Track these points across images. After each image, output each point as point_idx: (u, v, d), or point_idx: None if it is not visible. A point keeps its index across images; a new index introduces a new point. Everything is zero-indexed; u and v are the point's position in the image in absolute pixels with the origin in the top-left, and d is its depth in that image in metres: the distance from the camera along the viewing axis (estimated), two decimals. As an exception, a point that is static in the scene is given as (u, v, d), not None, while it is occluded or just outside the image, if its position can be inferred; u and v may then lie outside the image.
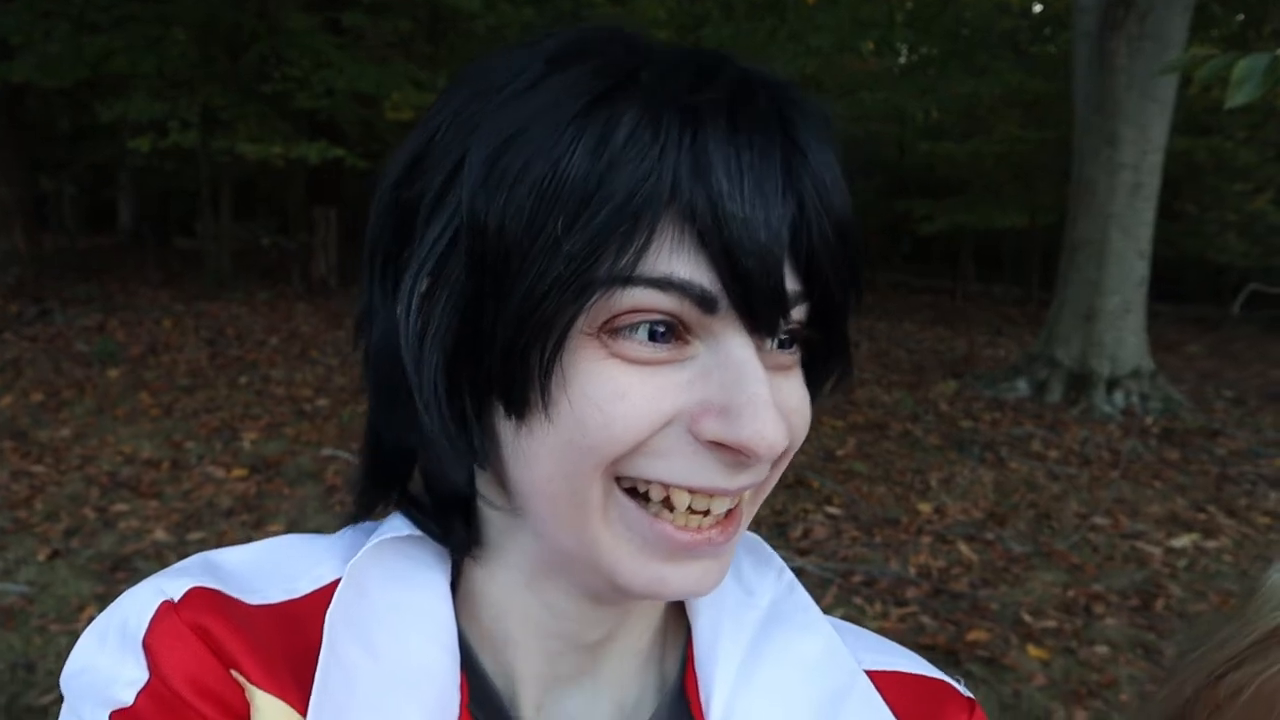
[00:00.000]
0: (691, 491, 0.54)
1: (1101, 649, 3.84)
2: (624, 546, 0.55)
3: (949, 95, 11.38)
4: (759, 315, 0.52)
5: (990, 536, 5.01)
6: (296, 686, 0.58)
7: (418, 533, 0.63)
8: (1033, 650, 3.78)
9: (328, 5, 10.89)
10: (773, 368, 0.55)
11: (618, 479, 0.54)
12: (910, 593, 4.25)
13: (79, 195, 18.22)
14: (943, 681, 0.72)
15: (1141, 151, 7.77)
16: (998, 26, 13.47)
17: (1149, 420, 7.58)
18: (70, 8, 9.83)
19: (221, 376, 7.58)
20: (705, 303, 0.51)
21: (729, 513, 0.56)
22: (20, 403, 6.64)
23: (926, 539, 4.94)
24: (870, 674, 0.69)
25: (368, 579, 0.61)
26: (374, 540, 0.62)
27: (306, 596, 0.62)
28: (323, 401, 6.99)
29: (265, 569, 0.63)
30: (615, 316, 0.51)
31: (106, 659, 0.58)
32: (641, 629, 0.66)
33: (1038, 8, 14.71)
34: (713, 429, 0.52)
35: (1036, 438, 6.97)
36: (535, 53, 0.54)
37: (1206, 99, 11.27)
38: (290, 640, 0.59)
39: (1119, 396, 7.92)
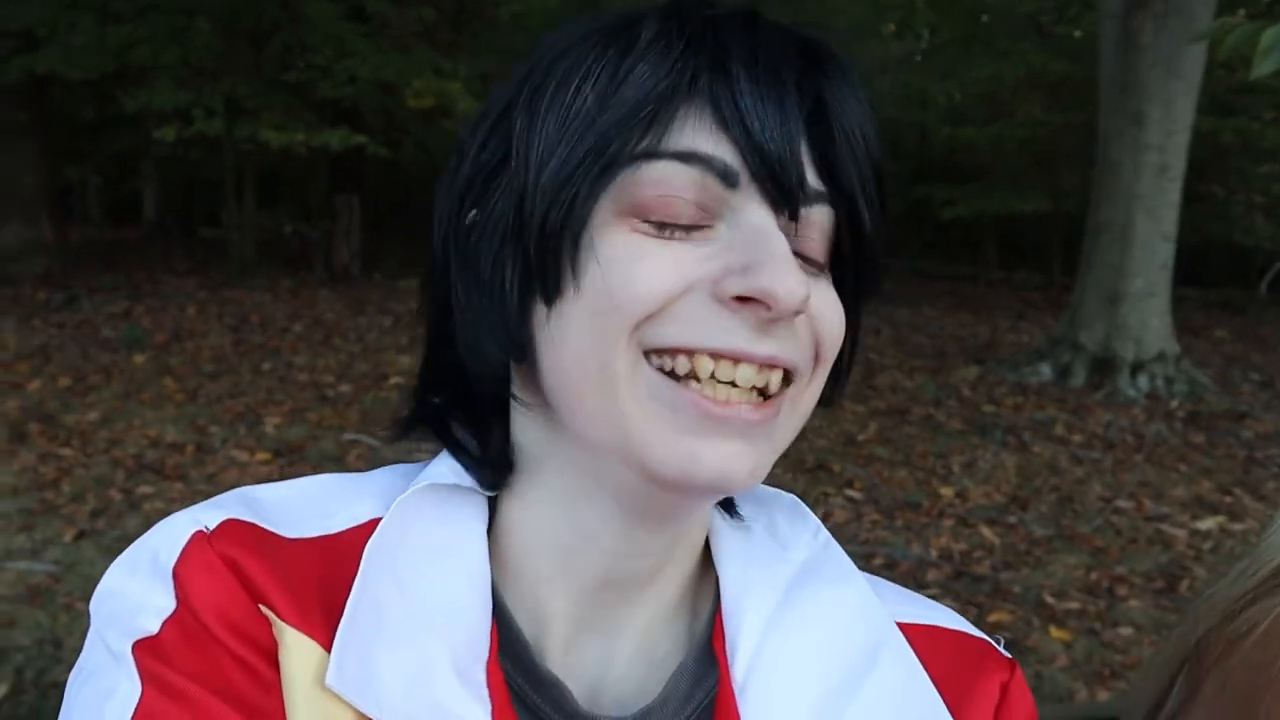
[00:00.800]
0: (715, 356, 0.54)
1: (1125, 630, 3.82)
2: (653, 422, 0.55)
3: (971, 78, 11.28)
4: (779, 186, 0.55)
5: (1012, 520, 4.98)
6: (325, 622, 0.57)
7: (464, 482, 0.64)
8: (1055, 632, 3.76)
9: (349, -7, 10.91)
10: (800, 261, 0.57)
11: (645, 355, 0.55)
12: (932, 575, 4.24)
13: (104, 186, 18.37)
14: (982, 640, 0.70)
15: (1167, 132, 7.69)
16: (1020, 9, 13.34)
17: (1174, 404, 7.52)
18: (93, -1, 9.90)
19: (245, 362, 7.63)
20: (727, 176, 0.55)
21: (764, 396, 0.56)
22: (49, 387, 6.71)
23: (948, 522, 4.92)
24: (904, 626, 0.67)
25: (410, 519, 0.61)
26: (421, 482, 0.63)
27: (343, 533, 0.62)
28: (345, 387, 7.03)
29: (302, 505, 0.64)
30: (651, 202, 0.55)
31: (136, 585, 0.58)
32: (674, 576, 0.66)
33: (1062, -10, 14.56)
34: (734, 284, 0.54)
35: (1059, 421, 6.92)
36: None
37: (1232, 79, 11.13)
38: (323, 574, 0.59)
39: (1143, 380, 7.85)
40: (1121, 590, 4.17)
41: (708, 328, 0.54)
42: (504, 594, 0.63)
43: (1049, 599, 4.05)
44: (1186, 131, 7.77)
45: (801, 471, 5.58)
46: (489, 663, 0.59)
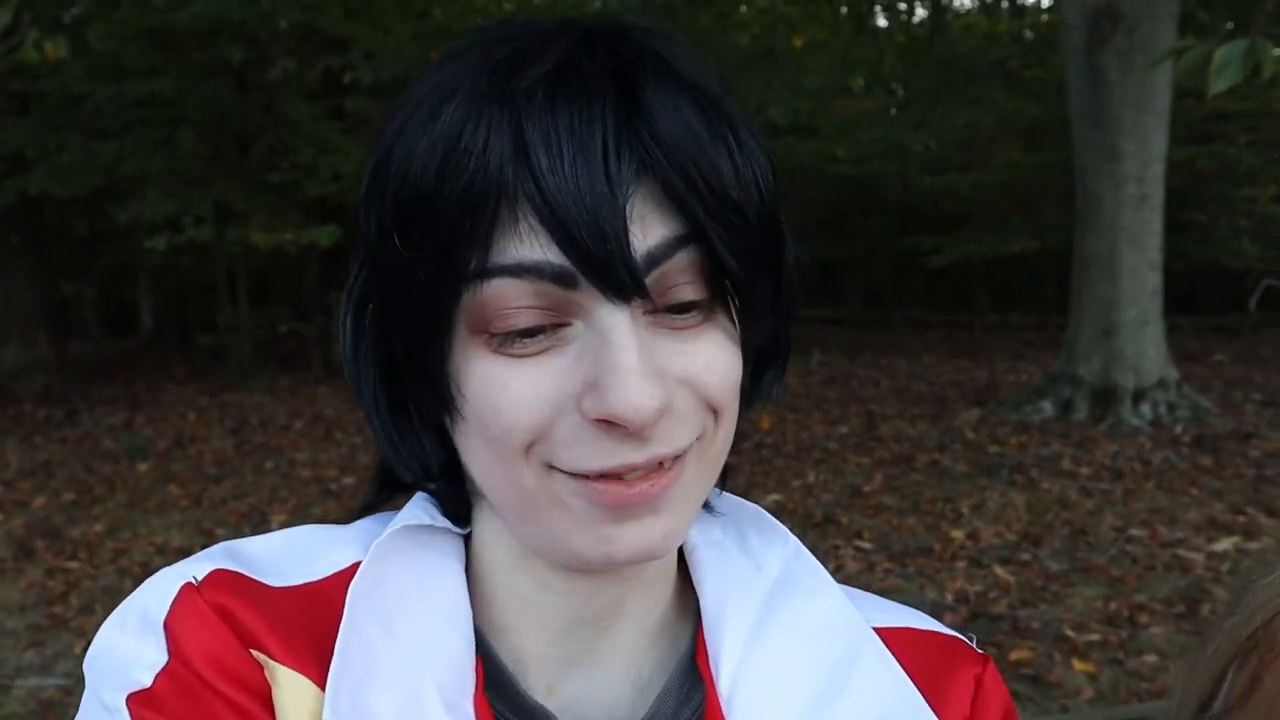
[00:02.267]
0: (603, 476, 0.54)
1: (1150, 658, 3.77)
2: (570, 520, 0.56)
3: (946, 126, 11.45)
4: (612, 280, 0.51)
5: (1026, 557, 4.94)
6: (317, 663, 0.58)
7: (437, 523, 0.65)
8: (1078, 664, 3.71)
9: (330, 93, 11.12)
10: (668, 329, 0.54)
11: (548, 467, 0.55)
12: (949, 618, 4.19)
13: (100, 299, 18.52)
14: (954, 637, 0.71)
15: (1143, 163, 7.79)
16: (989, 55, 13.59)
17: (1178, 429, 7.49)
18: (80, 117, 10.09)
19: (248, 463, 7.62)
20: (562, 279, 0.51)
21: (653, 474, 0.55)
22: (52, 503, 6.70)
23: (961, 564, 4.88)
24: (879, 631, 0.68)
25: (389, 563, 0.62)
26: (396, 525, 0.64)
27: (326, 579, 0.63)
28: (349, 480, 7.02)
29: (286, 555, 0.64)
30: (490, 317, 0.53)
31: (127, 641, 0.59)
32: (649, 605, 0.66)
33: (1028, 34, 14.87)
34: (589, 406, 0.52)
35: (1066, 456, 6.89)
36: (439, 60, 0.57)
37: (1203, 108, 11.30)
38: (310, 619, 0.60)
39: (1146, 408, 7.84)
40: (1142, 618, 4.12)
41: (586, 451, 0.54)
42: (486, 632, 0.64)
43: (1069, 632, 4.00)
44: (1162, 161, 7.88)
45: (810, 526, 5.54)
46: (475, 696, 0.60)
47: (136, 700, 0.57)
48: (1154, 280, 7.99)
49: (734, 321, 0.57)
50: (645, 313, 0.54)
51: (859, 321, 18.10)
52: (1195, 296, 16.08)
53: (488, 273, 0.52)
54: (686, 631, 0.68)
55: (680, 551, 0.69)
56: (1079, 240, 8.28)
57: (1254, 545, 4.92)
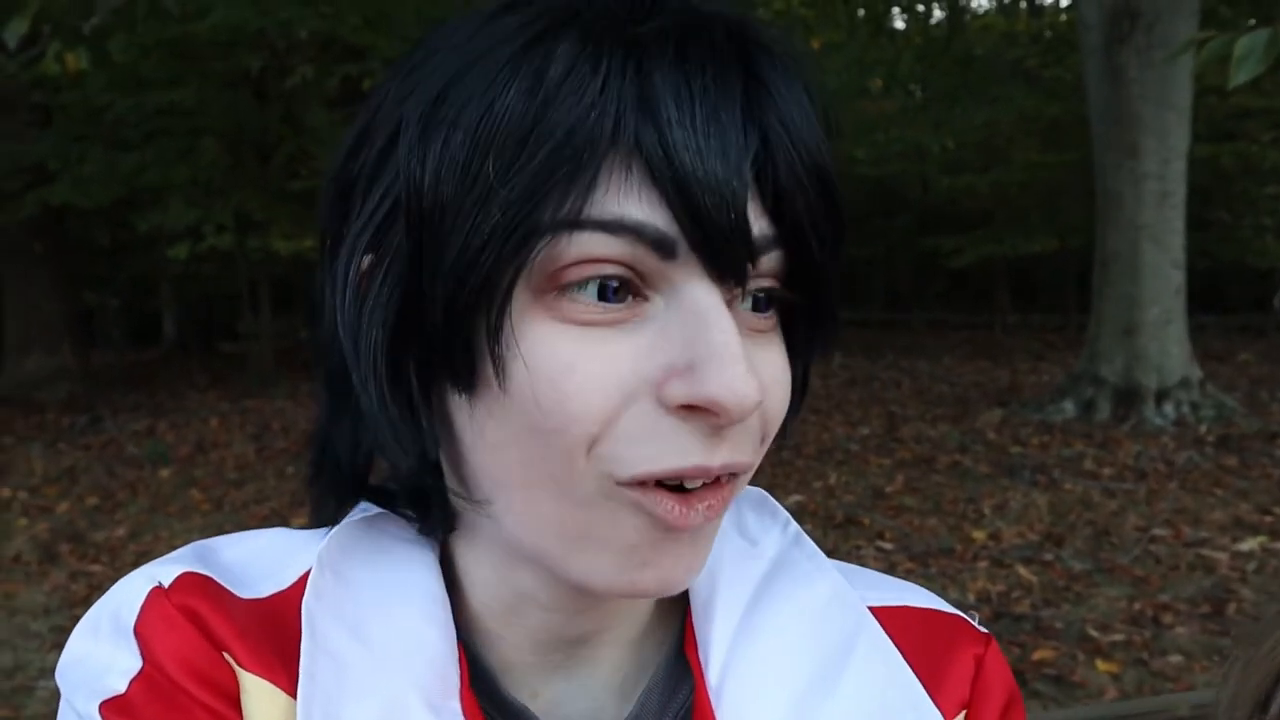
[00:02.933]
0: (663, 487, 0.48)
1: (1175, 658, 3.73)
2: (618, 544, 0.50)
3: (964, 126, 11.41)
4: (722, 256, 0.47)
5: (1049, 557, 4.90)
6: (286, 672, 0.55)
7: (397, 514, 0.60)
8: (1102, 665, 3.67)
9: (349, 101, 11.19)
10: (746, 330, 0.50)
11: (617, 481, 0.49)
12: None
13: (123, 310, 18.68)
14: (955, 615, 0.67)
15: (1164, 160, 7.72)
16: (1007, 55, 13.53)
17: (1203, 429, 7.42)
18: (102, 129, 10.19)
19: (269, 468, 7.66)
20: (662, 246, 0.46)
21: (714, 488, 0.50)
22: (76, 508, 6.75)
23: (983, 564, 4.84)
24: (876, 610, 0.64)
25: (344, 562, 0.58)
26: (342, 523, 0.60)
27: (292, 587, 0.59)
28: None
29: (254, 563, 0.61)
30: (563, 269, 0.46)
31: (100, 648, 0.57)
32: (636, 617, 0.62)
33: (1046, 33, 14.79)
34: (678, 391, 0.46)
35: (1088, 456, 6.83)
36: (472, 15, 0.51)
37: (1226, 105, 11.20)
38: (276, 629, 0.57)
39: (1169, 408, 7.77)
40: (1167, 618, 4.08)
41: (655, 449, 0.47)
42: (468, 637, 0.60)
43: (1093, 633, 3.96)
44: (1184, 159, 7.81)
45: (831, 527, 5.52)
46: (462, 692, 0.56)
47: (110, 707, 0.55)
48: (1177, 278, 7.92)
49: (790, 338, 0.54)
50: (727, 302, 0.48)
51: (880, 323, 18.03)
52: (1219, 296, 15.94)
53: (579, 224, 0.45)
54: (674, 622, 0.64)
55: None
56: (1100, 238, 8.23)
57: (1280, 544, 4.87)
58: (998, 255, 13.68)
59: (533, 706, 0.60)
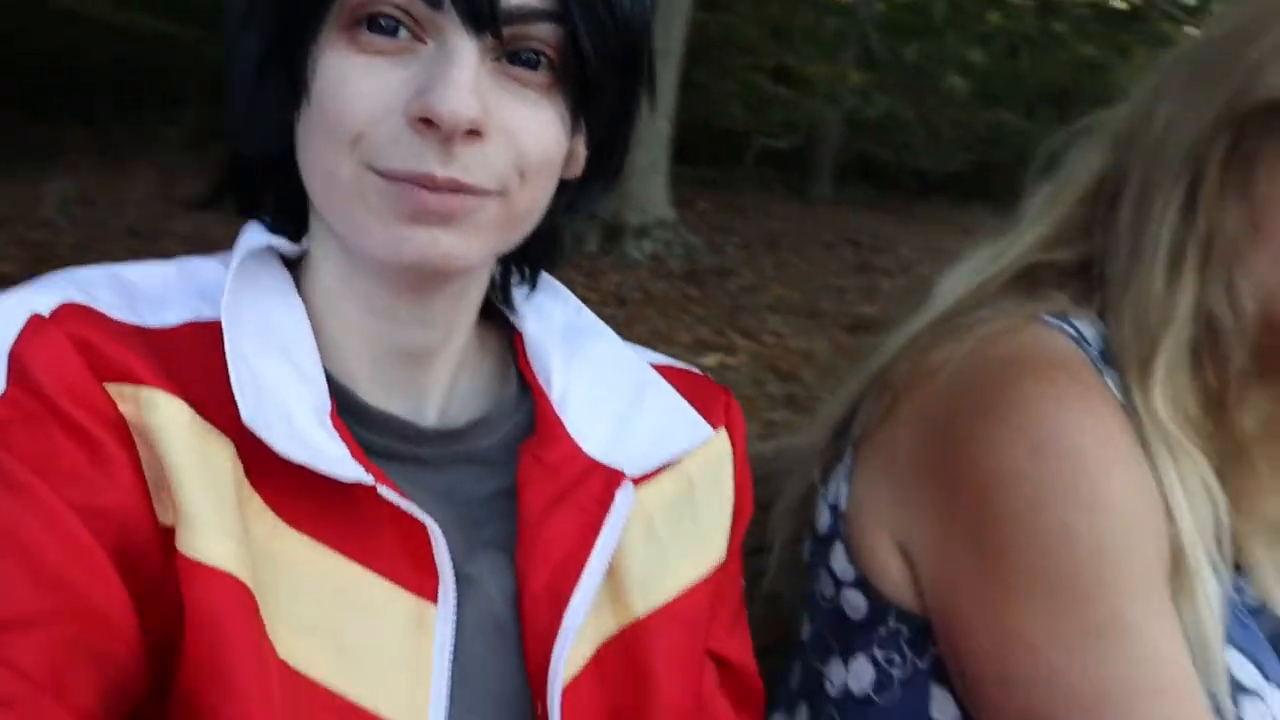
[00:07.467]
0: (408, 181, 0.60)
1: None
2: (371, 216, 0.62)
3: None
4: (474, 10, 0.58)
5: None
6: (183, 390, 0.61)
7: (274, 242, 0.69)
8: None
9: None
10: (511, 80, 0.62)
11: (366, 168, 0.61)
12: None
13: None
14: (704, 375, 0.87)
15: (665, 18, 8.41)
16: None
17: (673, 264, 8.46)
18: None
19: None
20: None
21: (456, 194, 0.61)
22: None
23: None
24: (654, 367, 0.84)
25: (243, 294, 0.66)
26: (242, 252, 0.67)
27: (176, 329, 0.65)
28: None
29: (135, 294, 0.65)
30: (356, 6, 0.59)
31: None
32: (458, 343, 0.74)
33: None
34: (413, 105, 0.59)
35: (577, 283, 7.41)
36: None
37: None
38: (170, 359, 0.62)
39: (647, 244, 8.70)
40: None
41: (401, 150, 0.59)
42: (321, 351, 0.68)
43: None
44: (684, 17, 8.56)
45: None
46: (332, 414, 0.65)
47: None
48: (666, 130, 8.78)
49: (570, 112, 0.65)
50: (494, 59, 0.61)
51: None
52: (690, 149, 17.64)
53: None
54: (495, 360, 0.79)
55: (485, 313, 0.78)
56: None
57: (732, 360, 5.82)
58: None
59: (388, 409, 0.70)
